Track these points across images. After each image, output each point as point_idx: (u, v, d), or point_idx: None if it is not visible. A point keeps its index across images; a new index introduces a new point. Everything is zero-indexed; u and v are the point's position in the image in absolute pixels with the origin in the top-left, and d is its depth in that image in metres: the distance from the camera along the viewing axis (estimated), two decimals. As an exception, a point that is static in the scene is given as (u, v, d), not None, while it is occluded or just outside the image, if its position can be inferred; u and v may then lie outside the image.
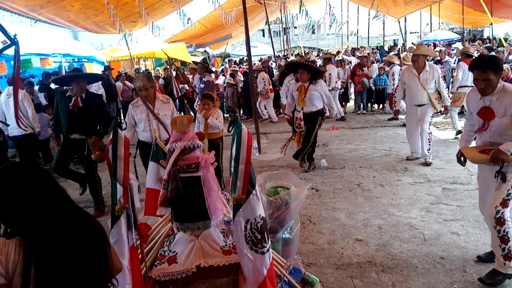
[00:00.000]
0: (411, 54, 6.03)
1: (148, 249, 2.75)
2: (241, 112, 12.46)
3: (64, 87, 5.61)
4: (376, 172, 5.93)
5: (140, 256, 2.49)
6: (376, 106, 11.55)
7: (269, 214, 3.09)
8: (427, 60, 6.17)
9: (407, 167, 6.03)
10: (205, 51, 21.78)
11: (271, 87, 10.79)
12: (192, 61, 12.70)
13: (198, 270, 2.36)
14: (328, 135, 8.71)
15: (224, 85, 11.71)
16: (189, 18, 14.40)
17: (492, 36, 20.28)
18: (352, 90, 12.18)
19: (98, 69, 13.73)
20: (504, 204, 2.84)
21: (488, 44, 14.27)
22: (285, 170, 6.02)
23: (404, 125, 9.30)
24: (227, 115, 10.76)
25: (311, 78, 5.78)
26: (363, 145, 7.69)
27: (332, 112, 6.26)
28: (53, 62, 11.56)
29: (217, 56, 22.37)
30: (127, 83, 11.72)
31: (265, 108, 11.08)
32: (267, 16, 14.52)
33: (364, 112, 11.30)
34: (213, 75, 9.66)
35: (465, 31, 23.19)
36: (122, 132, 2.29)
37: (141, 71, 14.66)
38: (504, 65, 8.84)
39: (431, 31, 23.68)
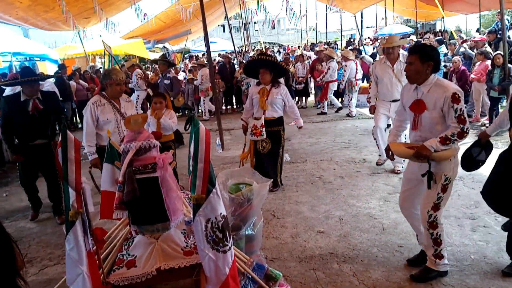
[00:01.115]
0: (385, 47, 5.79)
1: (106, 253, 2.66)
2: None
3: (12, 91, 5.29)
4: (336, 164, 6.05)
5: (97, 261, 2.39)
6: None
7: (232, 212, 3.06)
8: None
9: (366, 158, 6.19)
10: (164, 47, 21.34)
11: (210, 84, 10.74)
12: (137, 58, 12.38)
13: (159, 273, 2.30)
14: (290, 130, 8.74)
15: (185, 81, 11.53)
16: (146, 14, 14.02)
17: (444, 29, 21.20)
18: (312, 85, 12.35)
19: (51, 68, 13.14)
20: (436, 208, 2.87)
21: (439, 37, 14.86)
22: (248, 166, 6.01)
23: (349, 116, 9.70)
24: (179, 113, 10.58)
25: (274, 79, 5.13)
26: (324, 138, 7.82)
27: (298, 121, 5.39)
28: (3, 61, 10.95)
29: (177, 52, 21.98)
30: (81, 82, 11.29)
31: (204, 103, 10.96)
32: (226, 12, 14.42)
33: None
34: (173, 71, 9.45)
35: (419, 25, 24.10)
36: (71, 134, 2.18)
37: (98, 69, 14.21)
38: (455, 57, 9.27)
39: (386, 25, 24.39)
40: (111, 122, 4.14)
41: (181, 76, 11.93)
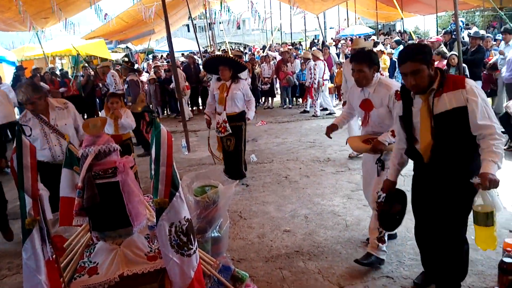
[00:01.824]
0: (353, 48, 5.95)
1: (66, 261, 2.57)
2: (168, 109, 12.21)
3: None
4: (302, 164, 6.14)
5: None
6: (300, 100, 11.93)
7: (197, 214, 3.04)
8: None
9: (330, 157, 6.32)
10: (127, 47, 20.89)
11: (186, 83, 10.64)
12: (103, 59, 12.06)
13: (122, 279, 2.25)
14: (257, 130, 8.84)
15: (147, 83, 11.33)
16: (106, 14, 13.67)
17: (403, 29, 21.94)
18: (277, 85, 12.46)
19: (8, 70, 12.56)
20: None
21: (397, 38, 15.38)
22: (215, 167, 5.99)
23: (314, 115, 9.84)
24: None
25: (234, 75, 5.34)
26: (290, 138, 7.92)
27: (250, 113, 5.59)
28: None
29: (141, 52, 21.56)
30: (42, 83, 10.84)
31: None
32: (189, 11, 14.28)
33: (290, 106, 11.63)
34: (136, 74, 9.22)
35: (380, 26, 24.80)
36: (26, 139, 2.10)
37: (58, 70, 13.72)
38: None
39: (348, 26, 24.94)
40: (38, 138, 3.76)
41: (144, 77, 11.71)
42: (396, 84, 3.19)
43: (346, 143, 3.46)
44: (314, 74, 9.75)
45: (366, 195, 3.59)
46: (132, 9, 14.77)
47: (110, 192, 2.30)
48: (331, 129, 3.54)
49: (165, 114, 12.13)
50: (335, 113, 9.67)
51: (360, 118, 3.42)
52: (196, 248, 2.27)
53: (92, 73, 11.15)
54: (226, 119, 5.32)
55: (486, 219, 2.17)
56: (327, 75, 10.28)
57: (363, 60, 3.14)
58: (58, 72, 13.12)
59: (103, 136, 2.35)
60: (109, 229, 2.36)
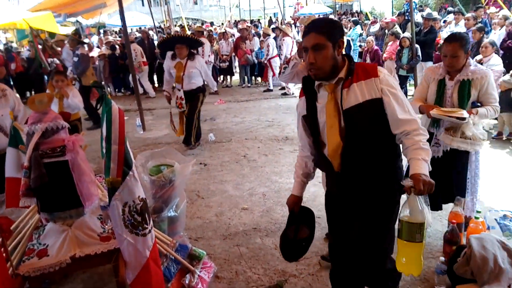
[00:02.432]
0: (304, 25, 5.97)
1: (14, 244, 2.45)
2: (123, 87, 11.77)
3: None
4: (260, 143, 6.17)
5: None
6: (259, 79, 11.89)
7: (153, 194, 3.00)
8: None
9: (288, 136, 6.39)
10: (77, 21, 19.72)
11: (144, 59, 10.30)
12: (60, 34, 11.36)
13: (74, 260, 2.18)
14: (215, 109, 8.75)
15: (97, 58, 10.82)
16: (54, -16, 12.78)
17: (360, 10, 22.30)
18: (236, 63, 12.32)
19: None
20: None
21: (355, 18, 15.61)
22: (171, 146, 5.89)
23: (284, 94, 9.87)
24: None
25: (190, 53, 5.46)
26: (249, 117, 7.91)
27: (210, 87, 6.12)
28: None
29: (92, 26, 20.46)
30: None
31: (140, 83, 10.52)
32: (144, -16, 13.69)
33: (249, 85, 11.58)
34: (86, 47, 8.80)
35: (337, 5, 25.03)
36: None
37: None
38: (368, 38, 9.82)
39: (307, 5, 24.98)
40: None
41: (95, 52, 11.17)
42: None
43: None
44: (280, 50, 9.73)
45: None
46: (82, -20, 13.89)
47: (59, 172, 2.21)
48: None
49: (121, 92, 11.66)
50: (294, 94, 9.69)
51: None
52: (152, 228, 2.24)
53: (41, 47, 10.47)
54: (183, 96, 5.52)
55: (414, 232, 1.71)
56: (293, 52, 10.27)
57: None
58: (1, 47, 12.25)
59: (50, 112, 2.23)
60: (58, 210, 2.27)
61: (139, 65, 9.98)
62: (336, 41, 1.86)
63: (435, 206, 3.14)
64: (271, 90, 10.43)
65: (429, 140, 2.08)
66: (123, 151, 2.08)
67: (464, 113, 2.80)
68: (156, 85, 11.68)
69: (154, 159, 3.21)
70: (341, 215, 2.13)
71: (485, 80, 2.87)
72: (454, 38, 2.90)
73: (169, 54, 5.60)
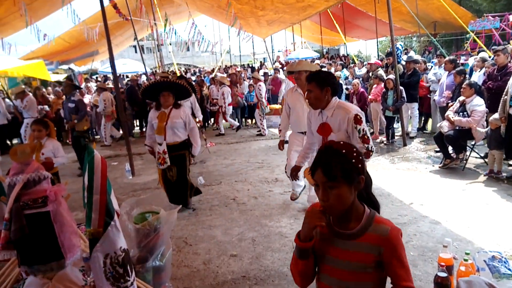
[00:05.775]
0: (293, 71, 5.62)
1: (-9, 301, 2.36)
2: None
3: None
4: (250, 185, 6.15)
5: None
6: (249, 121, 12.04)
7: (137, 243, 2.92)
8: None
9: (277, 177, 6.39)
10: (69, 68, 20.09)
11: (113, 108, 10.50)
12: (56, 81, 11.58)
13: (52, 317, 2.09)
14: (205, 152, 8.76)
15: (91, 104, 10.95)
16: (46, 34, 13.12)
17: (347, 53, 23.05)
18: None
19: None
20: None
21: (341, 61, 16.12)
22: (159, 192, 5.83)
23: (259, 135, 10.03)
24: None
25: (175, 102, 4.88)
26: (239, 159, 7.92)
27: (195, 150, 5.09)
28: None
29: (84, 73, 20.86)
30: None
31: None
32: (135, 33, 14.10)
33: (240, 126, 11.70)
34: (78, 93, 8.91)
35: (325, 50, 25.87)
36: None
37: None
38: (355, 80, 10.09)
39: (294, 50, 25.78)
40: None
41: (86, 99, 11.31)
42: (355, 108, 3.10)
43: (304, 177, 3.35)
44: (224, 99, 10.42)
45: None
46: (74, 30, 14.32)
47: (40, 223, 2.15)
48: (294, 171, 3.44)
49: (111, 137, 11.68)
50: (265, 135, 10.29)
51: (318, 145, 3.27)
52: (134, 280, 2.16)
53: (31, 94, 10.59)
54: (166, 150, 4.81)
55: None
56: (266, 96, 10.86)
57: (311, 79, 3.07)
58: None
59: (33, 163, 2.21)
60: (39, 263, 2.19)
61: (111, 112, 10.31)
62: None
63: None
64: (224, 134, 10.87)
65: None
66: (104, 201, 2.05)
67: None
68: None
69: (139, 206, 3.15)
70: None
71: None
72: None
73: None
